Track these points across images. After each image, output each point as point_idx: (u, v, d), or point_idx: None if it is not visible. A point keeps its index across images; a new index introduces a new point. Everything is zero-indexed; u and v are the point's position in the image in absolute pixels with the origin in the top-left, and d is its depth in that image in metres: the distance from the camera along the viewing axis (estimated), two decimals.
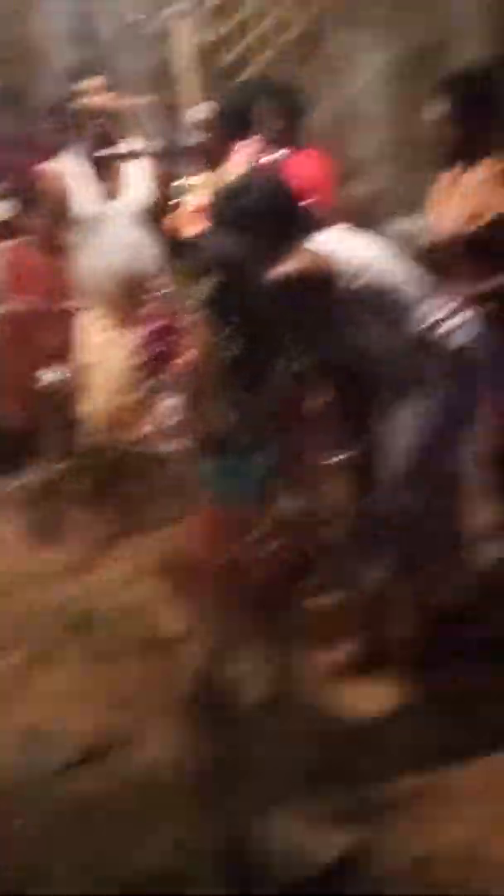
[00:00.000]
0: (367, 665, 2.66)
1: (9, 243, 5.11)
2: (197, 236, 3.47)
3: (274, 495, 2.88)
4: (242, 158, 3.71)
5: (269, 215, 2.71)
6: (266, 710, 2.45)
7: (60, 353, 4.19)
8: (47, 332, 4.39)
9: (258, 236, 2.67)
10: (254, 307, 2.53)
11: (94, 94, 3.67)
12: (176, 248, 3.54)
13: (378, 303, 2.65)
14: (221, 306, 2.55)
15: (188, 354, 2.79)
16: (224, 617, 2.75)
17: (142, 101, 4.45)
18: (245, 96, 4.02)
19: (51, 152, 5.51)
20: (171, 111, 5.38)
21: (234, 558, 2.74)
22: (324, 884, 1.85)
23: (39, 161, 5.54)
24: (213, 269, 2.63)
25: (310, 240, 2.70)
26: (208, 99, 5.17)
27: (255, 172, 3.56)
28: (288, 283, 2.59)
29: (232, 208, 2.79)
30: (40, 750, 2.56)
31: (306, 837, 1.93)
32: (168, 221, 3.73)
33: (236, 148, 3.73)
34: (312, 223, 2.76)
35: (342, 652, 2.75)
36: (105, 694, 2.75)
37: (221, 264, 2.65)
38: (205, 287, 2.54)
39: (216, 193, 3.14)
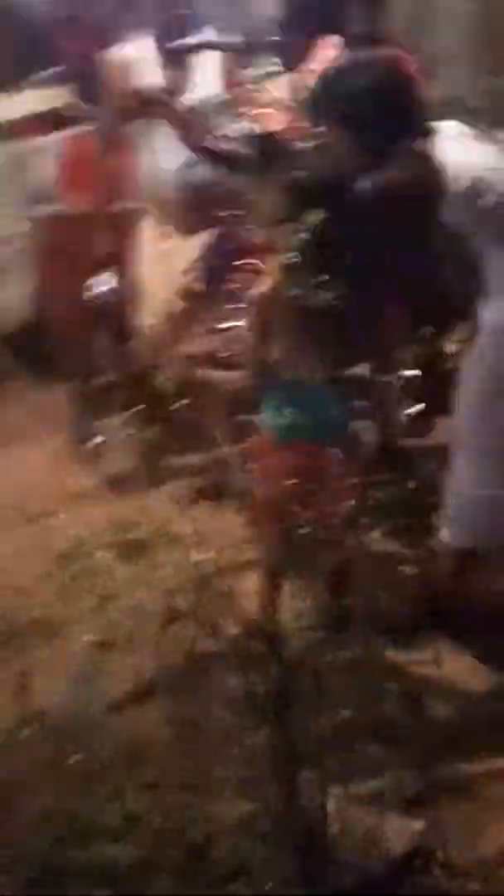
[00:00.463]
0: (435, 621, 2.50)
1: (64, 134, 4.81)
2: (284, 137, 3.18)
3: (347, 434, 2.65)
4: (327, 56, 3.38)
5: (384, 103, 2.42)
6: (324, 664, 2.29)
7: (114, 259, 3.97)
8: (101, 236, 4.16)
9: (369, 129, 2.39)
10: (362, 242, 2.26)
11: None
12: (263, 149, 3.21)
13: (490, 219, 2.40)
14: (326, 247, 2.27)
15: (261, 286, 2.55)
16: (279, 552, 2.55)
17: None
18: None
19: (112, 36, 5.17)
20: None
21: (295, 494, 2.54)
22: (397, 875, 1.75)
23: (99, 44, 5.21)
24: (314, 193, 2.33)
25: (423, 139, 2.42)
26: None
27: (361, 57, 3.21)
28: (399, 192, 2.34)
29: (339, 95, 2.48)
30: (92, 688, 2.45)
31: (380, 822, 1.82)
32: (250, 116, 3.40)
33: (318, 45, 3.40)
34: (425, 119, 2.47)
35: (407, 603, 2.58)
36: (156, 630, 2.60)
37: (327, 183, 2.35)
38: (308, 223, 2.24)
39: (318, 80, 2.83)
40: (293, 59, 3.47)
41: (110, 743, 2.32)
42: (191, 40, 3.51)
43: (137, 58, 3.57)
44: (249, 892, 1.83)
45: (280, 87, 3.36)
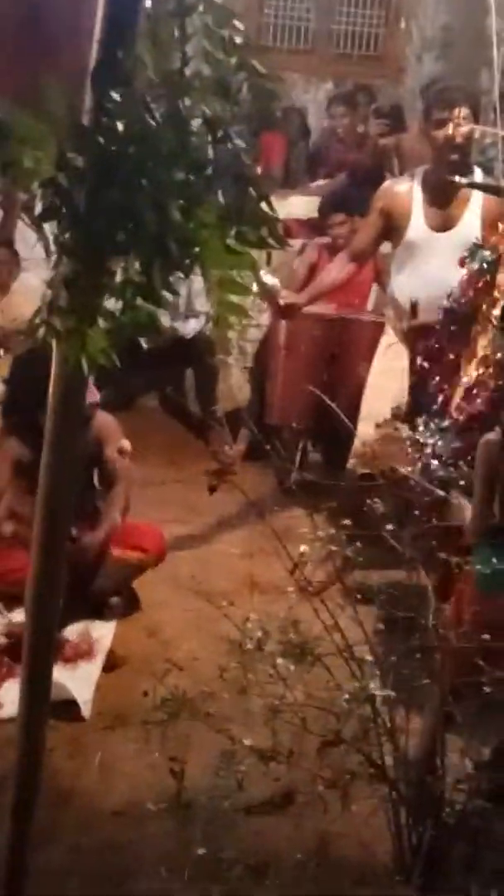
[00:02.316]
0: None
1: (315, 242, 5.08)
2: None
3: None
4: None
5: None
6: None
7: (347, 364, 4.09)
8: (336, 339, 4.29)
9: None
10: None
11: (460, 125, 3.43)
12: None
13: None
14: None
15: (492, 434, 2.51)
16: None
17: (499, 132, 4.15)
18: None
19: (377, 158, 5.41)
20: None
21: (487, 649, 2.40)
22: None
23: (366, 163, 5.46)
24: None
25: None
26: None
27: None
28: None
29: None
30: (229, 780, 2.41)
31: None
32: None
33: None
34: None
35: None
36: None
37: None
38: None
39: None
40: None
41: (239, 844, 2.29)
42: (468, 179, 3.55)
43: (415, 189, 3.66)
44: None
45: None
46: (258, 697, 2.09)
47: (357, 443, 3.68)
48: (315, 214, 5.41)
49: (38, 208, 1.36)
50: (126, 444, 3.40)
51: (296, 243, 5.19)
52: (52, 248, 1.38)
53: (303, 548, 2.14)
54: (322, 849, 2.33)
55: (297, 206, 5.64)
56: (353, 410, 3.74)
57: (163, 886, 2.26)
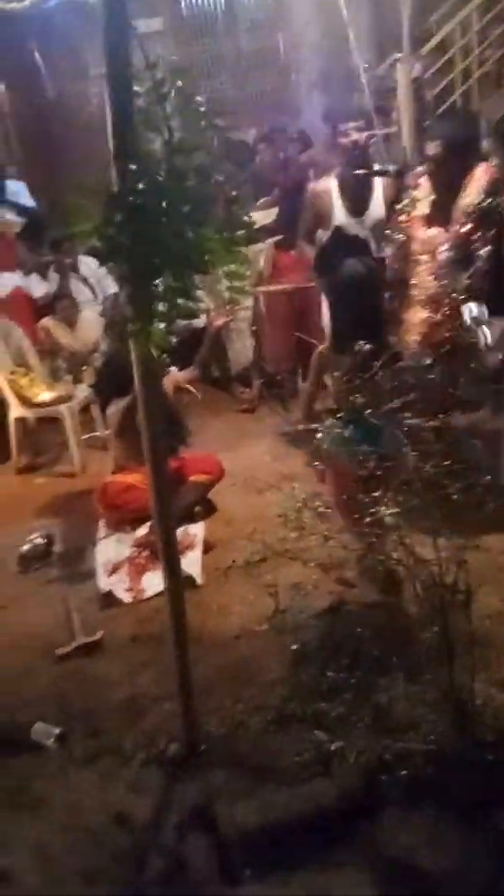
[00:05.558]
0: None
1: (270, 242, 5.01)
2: None
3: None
4: (482, 181, 3.03)
5: None
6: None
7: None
8: (302, 303, 4.30)
9: None
10: None
11: (356, 131, 3.39)
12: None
13: None
14: None
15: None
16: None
17: (381, 132, 4.02)
18: (469, 129, 3.28)
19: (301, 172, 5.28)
20: (392, 138, 4.94)
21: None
22: None
23: (292, 179, 5.34)
24: None
25: None
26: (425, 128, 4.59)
27: None
28: None
29: None
30: (302, 600, 2.53)
31: None
32: (398, 223, 3.30)
33: (475, 172, 3.04)
34: None
35: None
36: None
37: None
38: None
39: None
40: (446, 186, 3.10)
41: (321, 634, 2.40)
42: (372, 169, 3.47)
43: (333, 187, 3.58)
44: (419, 741, 1.83)
45: (424, 203, 3.18)
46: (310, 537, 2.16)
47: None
48: (264, 223, 5.33)
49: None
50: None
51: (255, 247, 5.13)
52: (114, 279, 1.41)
53: (319, 434, 2.16)
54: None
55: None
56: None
57: (279, 674, 2.35)
